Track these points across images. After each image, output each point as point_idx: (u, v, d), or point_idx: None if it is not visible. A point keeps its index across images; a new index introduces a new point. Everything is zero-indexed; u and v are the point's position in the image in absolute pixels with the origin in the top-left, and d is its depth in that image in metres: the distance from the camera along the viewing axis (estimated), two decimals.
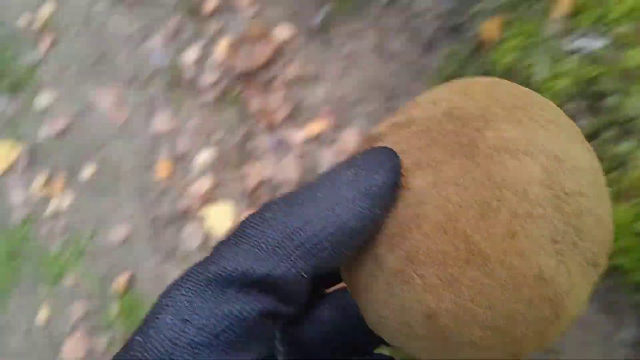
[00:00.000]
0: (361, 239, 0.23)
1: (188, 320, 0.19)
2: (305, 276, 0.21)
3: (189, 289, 0.20)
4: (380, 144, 0.25)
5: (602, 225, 0.26)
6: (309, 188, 0.22)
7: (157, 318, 0.19)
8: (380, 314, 0.25)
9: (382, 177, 0.23)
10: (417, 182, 0.24)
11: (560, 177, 0.24)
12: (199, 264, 0.20)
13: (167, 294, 0.20)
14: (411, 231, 0.23)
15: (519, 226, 0.23)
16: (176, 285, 0.20)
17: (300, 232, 0.21)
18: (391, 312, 0.24)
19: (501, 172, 0.23)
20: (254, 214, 0.21)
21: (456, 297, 0.23)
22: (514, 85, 0.28)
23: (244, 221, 0.21)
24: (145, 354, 0.19)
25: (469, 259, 0.23)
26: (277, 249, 0.20)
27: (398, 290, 0.24)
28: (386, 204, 0.23)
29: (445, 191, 0.23)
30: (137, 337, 0.19)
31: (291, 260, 0.21)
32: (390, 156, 0.24)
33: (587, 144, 0.27)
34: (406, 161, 0.24)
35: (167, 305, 0.20)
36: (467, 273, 0.23)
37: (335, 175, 0.22)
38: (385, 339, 0.26)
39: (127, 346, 0.19)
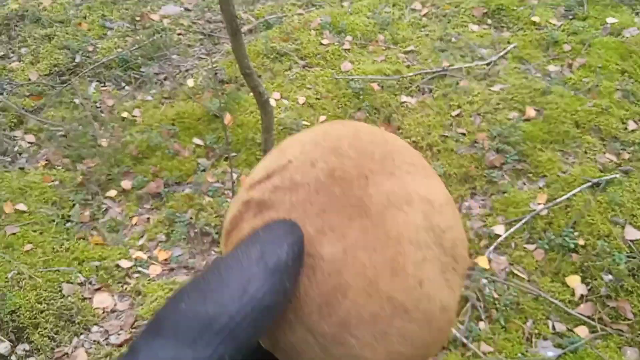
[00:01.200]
0: (277, 312, 0.24)
1: None
2: (228, 358, 0.21)
3: None
4: (274, 214, 0.27)
5: (465, 243, 0.32)
6: (218, 272, 0.22)
7: None
8: None
9: (287, 250, 0.23)
10: (326, 250, 0.26)
11: (435, 219, 0.29)
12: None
13: None
14: (338, 300, 0.26)
15: (421, 274, 0.27)
16: None
17: (218, 318, 0.21)
18: None
19: (395, 227, 0.27)
20: (167, 305, 0.22)
21: (388, 346, 0.27)
22: (371, 130, 0.32)
23: (159, 313, 0.21)
24: None
25: (394, 314, 0.27)
26: (197, 339, 0.21)
27: (334, 351, 0.27)
28: (295, 275, 0.24)
29: (357, 256, 0.26)
30: None
31: (212, 348, 0.21)
32: (293, 229, 0.25)
33: (437, 175, 0.33)
34: (309, 229, 0.26)
35: None
36: (394, 325, 0.27)
37: (242, 254, 0.23)
38: None
39: None
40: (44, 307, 1.75)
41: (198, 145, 2.43)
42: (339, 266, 0.26)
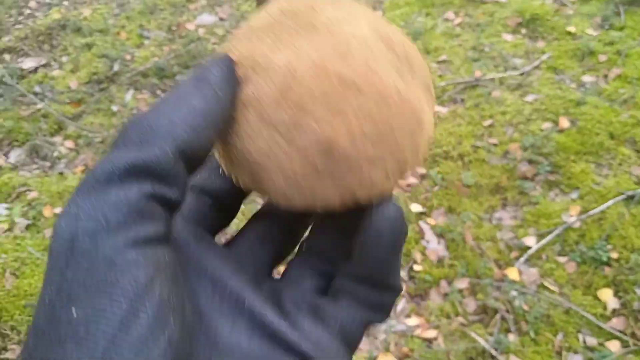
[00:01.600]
0: (215, 120, 0.27)
1: (80, 217, 0.23)
2: (172, 156, 0.25)
3: (81, 194, 0.24)
4: (230, 52, 0.31)
5: (425, 68, 0.34)
6: (162, 97, 0.27)
7: (56, 226, 0.23)
8: (284, 168, 0.29)
9: (216, 69, 0.28)
10: (279, 56, 0.29)
11: (386, 31, 0.32)
12: (88, 174, 0.25)
13: (66, 204, 0.24)
14: (291, 87, 0.29)
15: (371, 61, 0.29)
16: (72, 196, 0.24)
17: (159, 122, 0.25)
18: (293, 162, 0.29)
19: (343, 32, 0.30)
20: (121, 128, 0.26)
21: (347, 123, 0.28)
22: None
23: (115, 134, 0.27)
24: (50, 258, 0.23)
25: (345, 90, 0.28)
26: (142, 141, 0.25)
27: (299, 140, 0.29)
28: (228, 88, 0.28)
29: (307, 53, 0.29)
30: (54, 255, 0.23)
31: (157, 145, 0.24)
32: (224, 56, 0.30)
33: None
34: (263, 48, 0.30)
35: (64, 213, 0.23)
36: (348, 101, 0.28)
37: (184, 80, 0.27)
38: (286, 196, 0.30)
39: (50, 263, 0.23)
40: None
41: None
42: (291, 63, 0.29)
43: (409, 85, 0.31)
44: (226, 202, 0.35)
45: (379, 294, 0.31)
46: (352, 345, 0.31)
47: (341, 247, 0.33)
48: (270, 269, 0.35)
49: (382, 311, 0.32)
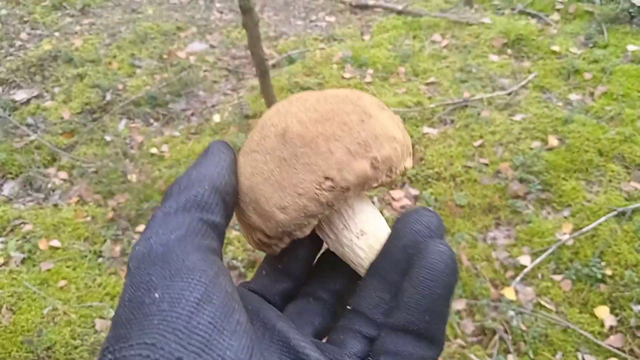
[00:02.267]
0: (231, 167, 0.36)
1: (151, 237, 0.29)
2: (210, 191, 0.33)
3: (148, 230, 0.30)
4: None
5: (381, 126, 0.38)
6: (192, 164, 0.35)
7: (132, 251, 0.30)
8: (264, 173, 0.36)
9: (220, 144, 0.37)
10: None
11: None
12: (150, 219, 0.32)
13: (137, 242, 0.30)
14: (263, 125, 0.38)
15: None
16: (141, 235, 0.30)
17: (194, 175, 0.34)
18: (268, 163, 0.36)
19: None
20: (167, 189, 0.34)
21: (295, 116, 0.36)
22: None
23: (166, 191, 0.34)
24: (128, 272, 0.29)
25: (295, 102, 0.38)
26: (186, 188, 0.33)
27: (264, 144, 0.36)
28: (228, 148, 0.37)
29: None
30: (137, 246, 0.30)
31: (198, 187, 0.33)
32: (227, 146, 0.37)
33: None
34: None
35: (138, 242, 0.30)
36: (296, 105, 0.37)
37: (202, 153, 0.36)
38: (280, 206, 0.35)
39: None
40: (78, 343, 1.79)
41: None
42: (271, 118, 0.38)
43: (357, 102, 0.38)
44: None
45: (422, 348, 0.31)
46: None
47: (385, 303, 0.33)
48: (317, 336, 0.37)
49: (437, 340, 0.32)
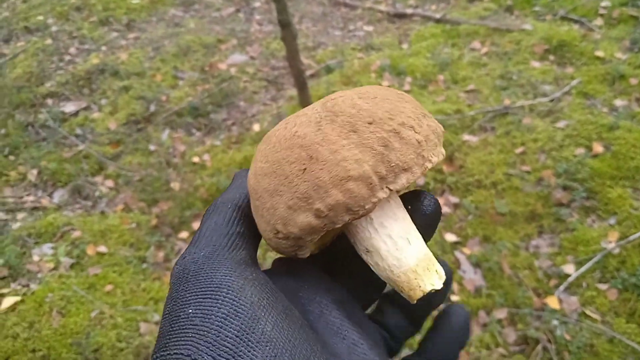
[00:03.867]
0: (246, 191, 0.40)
1: (186, 256, 0.34)
2: (235, 208, 0.38)
3: (188, 249, 0.35)
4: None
5: (379, 132, 0.37)
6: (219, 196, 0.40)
7: (173, 269, 0.35)
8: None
9: (244, 181, 0.41)
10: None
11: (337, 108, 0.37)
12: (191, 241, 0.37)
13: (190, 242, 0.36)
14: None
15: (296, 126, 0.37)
16: (193, 237, 0.37)
17: (220, 200, 0.39)
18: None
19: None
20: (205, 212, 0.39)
21: (253, 167, 0.38)
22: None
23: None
24: (169, 288, 0.33)
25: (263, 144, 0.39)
26: (214, 211, 0.38)
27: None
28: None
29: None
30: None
31: (226, 207, 0.38)
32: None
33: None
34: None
35: (177, 261, 0.35)
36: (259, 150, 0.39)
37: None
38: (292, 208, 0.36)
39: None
40: (124, 346, 1.84)
41: None
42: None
43: (322, 136, 0.35)
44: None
45: None
46: None
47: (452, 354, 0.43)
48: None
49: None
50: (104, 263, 2.20)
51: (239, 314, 0.30)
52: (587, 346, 1.79)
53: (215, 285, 0.31)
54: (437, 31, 3.40)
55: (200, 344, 0.28)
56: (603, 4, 3.38)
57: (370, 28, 3.71)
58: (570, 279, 1.99)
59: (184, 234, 2.37)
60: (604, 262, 2.01)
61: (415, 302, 0.36)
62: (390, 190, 0.34)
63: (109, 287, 2.08)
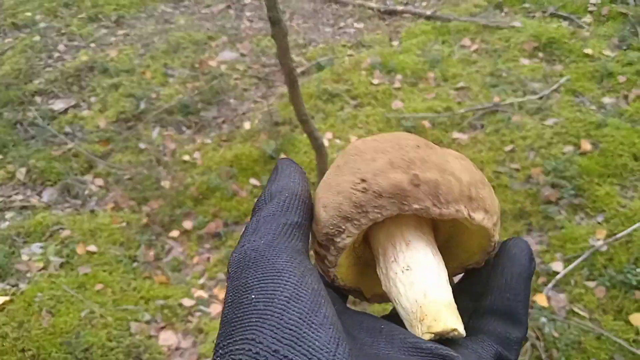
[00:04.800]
0: (305, 192, 0.38)
1: (245, 245, 0.34)
2: (295, 197, 0.37)
3: (243, 238, 0.35)
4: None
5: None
6: (268, 184, 0.39)
7: (230, 259, 0.34)
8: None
9: (294, 169, 0.40)
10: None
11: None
12: (247, 228, 0.36)
13: (244, 231, 0.36)
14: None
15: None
16: (247, 226, 0.36)
17: (279, 186, 0.38)
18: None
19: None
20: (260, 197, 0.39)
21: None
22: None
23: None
24: (228, 279, 0.33)
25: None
26: (272, 197, 0.37)
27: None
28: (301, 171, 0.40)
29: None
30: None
31: (284, 194, 0.37)
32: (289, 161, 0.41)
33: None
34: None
35: (234, 251, 0.34)
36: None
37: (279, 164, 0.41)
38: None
39: None
40: (114, 345, 1.84)
41: (255, 186, 2.52)
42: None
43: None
44: None
45: (508, 328, 0.36)
46: None
47: (481, 285, 0.39)
48: None
49: (511, 348, 0.36)
50: (94, 262, 2.19)
51: (301, 298, 0.30)
52: (575, 343, 1.80)
53: (277, 271, 0.31)
54: (427, 28, 3.41)
55: (264, 327, 0.28)
56: (592, 0, 3.40)
57: (360, 25, 3.71)
58: (558, 277, 2.01)
59: (174, 233, 2.36)
60: (592, 259, 2.03)
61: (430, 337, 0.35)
62: (467, 216, 0.36)
63: (99, 287, 2.07)
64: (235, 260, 0.33)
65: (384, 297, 0.42)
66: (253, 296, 0.30)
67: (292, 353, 0.27)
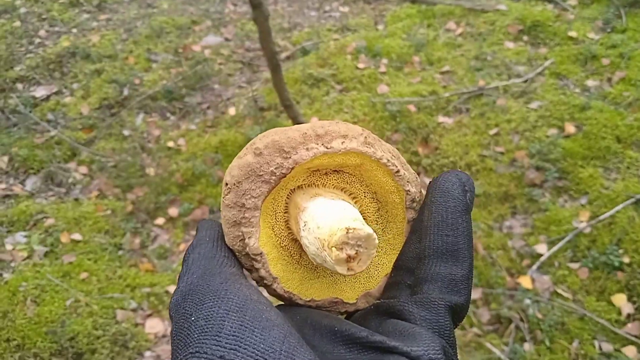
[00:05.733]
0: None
1: (185, 279, 0.35)
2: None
3: (183, 274, 0.36)
4: None
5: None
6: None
7: (171, 300, 0.35)
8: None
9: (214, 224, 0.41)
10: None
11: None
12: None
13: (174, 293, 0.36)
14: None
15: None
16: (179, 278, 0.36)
17: (200, 246, 0.38)
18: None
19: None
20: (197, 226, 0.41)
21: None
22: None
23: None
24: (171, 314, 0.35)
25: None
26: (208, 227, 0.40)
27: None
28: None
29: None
30: None
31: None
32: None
33: None
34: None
35: (175, 292, 0.35)
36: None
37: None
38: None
39: None
40: (100, 333, 1.84)
41: None
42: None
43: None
44: None
45: (452, 268, 0.35)
46: (444, 334, 0.33)
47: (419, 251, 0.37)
48: None
49: (459, 289, 0.34)
50: (79, 251, 2.18)
51: (241, 309, 0.31)
52: (558, 324, 1.83)
53: (213, 292, 0.32)
54: (412, 12, 3.39)
55: (206, 339, 0.29)
56: None
57: (346, 9, 3.68)
58: (542, 259, 2.03)
59: (160, 220, 2.35)
60: (576, 241, 2.05)
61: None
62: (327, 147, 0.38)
63: (84, 275, 2.06)
64: (174, 302, 0.34)
65: (337, 303, 0.42)
66: (193, 318, 0.31)
67: (237, 356, 0.28)
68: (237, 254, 0.38)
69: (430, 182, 0.38)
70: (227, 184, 0.38)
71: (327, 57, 3.07)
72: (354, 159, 0.38)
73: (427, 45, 3.08)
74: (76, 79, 3.17)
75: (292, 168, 0.37)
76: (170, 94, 3.00)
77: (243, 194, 0.37)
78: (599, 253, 1.99)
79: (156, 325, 1.91)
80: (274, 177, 0.37)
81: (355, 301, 0.42)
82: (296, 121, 1.72)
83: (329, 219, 0.35)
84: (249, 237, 0.37)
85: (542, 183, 2.28)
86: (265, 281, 0.39)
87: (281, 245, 0.41)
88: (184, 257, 0.37)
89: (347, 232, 0.33)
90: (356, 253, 0.33)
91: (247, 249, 0.37)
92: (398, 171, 0.39)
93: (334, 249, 0.33)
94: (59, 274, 2.05)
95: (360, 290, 0.42)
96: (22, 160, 2.65)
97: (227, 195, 0.38)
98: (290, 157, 0.37)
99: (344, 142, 0.38)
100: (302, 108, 2.74)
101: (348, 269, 0.34)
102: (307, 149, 0.37)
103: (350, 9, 3.66)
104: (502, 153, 2.42)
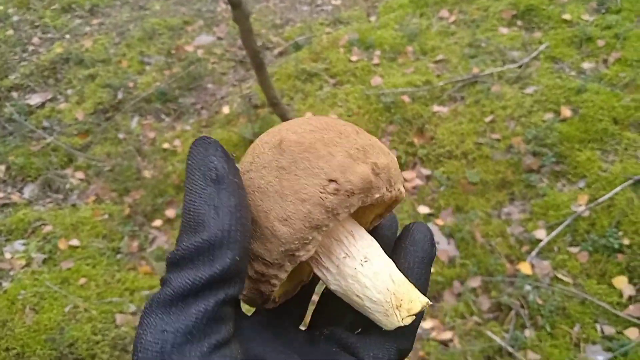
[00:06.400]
0: (247, 205, 0.32)
1: (166, 330, 0.26)
2: (239, 259, 0.28)
3: (162, 307, 0.27)
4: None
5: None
6: (189, 209, 0.30)
7: (142, 339, 0.26)
8: (264, 187, 0.33)
9: (216, 159, 0.33)
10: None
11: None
12: (158, 294, 0.27)
13: (141, 324, 0.27)
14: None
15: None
16: (150, 308, 0.27)
17: (219, 233, 0.28)
18: (264, 177, 0.34)
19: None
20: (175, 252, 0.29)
21: (290, 130, 0.35)
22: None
23: (168, 257, 0.28)
24: None
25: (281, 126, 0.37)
26: (204, 256, 0.28)
27: (259, 161, 0.35)
28: (235, 172, 0.32)
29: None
30: None
31: (227, 256, 0.28)
32: (213, 142, 0.34)
33: None
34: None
35: (147, 325, 0.26)
36: (285, 126, 0.36)
37: (196, 182, 0.31)
38: (285, 218, 0.32)
39: None
40: (100, 338, 1.84)
41: None
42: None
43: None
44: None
45: None
46: None
47: None
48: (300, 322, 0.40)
49: (407, 336, 0.36)
50: (77, 256, 2.18)
51: None
52: (559, 309, 1.81)
53: None
54: (405, 2, 3.37)
55: None
56: None
57: (338, 1, 3.66)
58: (541, 244, 2.01)
59: (157, 222, 2.35)
60: (575, 225, 2.03)
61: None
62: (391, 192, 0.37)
63: (82, 281, 2.06)
64: (152, 353, 0.26)
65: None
66: None
67: None
68: (266, 248, 0.32)
69: (404, 228, 0.39)
70: (335, 181, 0.32)
71: (320, 52, 3.05)
72: None
73: (420, 35, 3.06)
74: (70, 85, 3.17)
75: (395, 199, 0.37)
76: (164, 95, 2.99)
77: (345, 207, 0.32)
78: (598, 236, 1.97)
79: None
80: (369, 200, 0.34)
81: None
82: (285, 118, 1.71)
83: (406, 282, 0.35)
84: (313, 246, 0.33)
85: (540, 168, 2.26)
86: (272, 283, 0.34)
87: None
88: (167, 263, 0.30)
89: (421, 308, 0.34)
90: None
91: (301, 253, 0.32)
92: (382, 195, 0.36)
93: (408, 317, 0.34)
94: (58, 281, 2.05)
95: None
96: (19, 168, 2.66)
97: (328, 191, 0.32)
98: (390, 193, 0.36)
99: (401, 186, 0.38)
100: (296, 103, 2.73)
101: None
102: (399, 190, 0.37)
103: (343, 2, 3.64)
104: (498, 140, 2.40)
